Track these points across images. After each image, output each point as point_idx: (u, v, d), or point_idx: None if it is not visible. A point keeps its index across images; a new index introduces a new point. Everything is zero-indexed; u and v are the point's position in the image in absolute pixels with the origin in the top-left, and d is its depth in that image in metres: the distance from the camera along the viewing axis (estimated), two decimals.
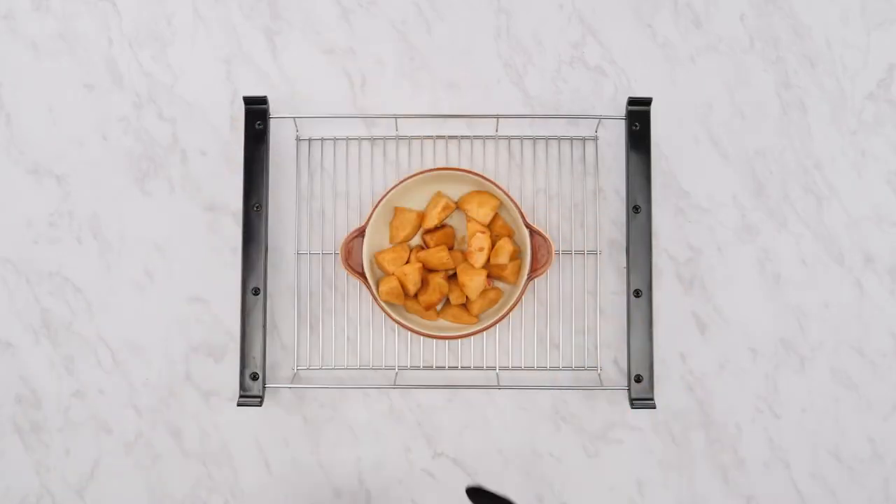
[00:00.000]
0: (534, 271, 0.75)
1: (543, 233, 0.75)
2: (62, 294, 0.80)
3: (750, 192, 0.80)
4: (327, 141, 0.80)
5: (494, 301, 0.77)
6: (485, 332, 0.78)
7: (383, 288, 0.74)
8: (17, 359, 0.79)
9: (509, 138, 0.80)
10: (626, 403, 0.76)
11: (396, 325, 0.77)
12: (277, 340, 0.79)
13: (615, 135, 0.80)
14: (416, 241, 0.78)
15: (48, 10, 0.81)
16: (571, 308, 0.79)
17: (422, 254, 0.76)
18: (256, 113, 0.78)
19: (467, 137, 0.79)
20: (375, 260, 0.76)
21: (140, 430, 0.79)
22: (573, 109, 0.81)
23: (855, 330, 0.79)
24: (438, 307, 0.78)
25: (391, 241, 0.78)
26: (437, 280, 0.75)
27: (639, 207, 0.77)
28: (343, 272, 0.78)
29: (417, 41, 0.81)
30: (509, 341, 0.78)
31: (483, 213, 0.76)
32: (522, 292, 0.75)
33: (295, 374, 0.78)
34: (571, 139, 0.80)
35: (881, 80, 0.81)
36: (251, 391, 0.76)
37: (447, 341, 0.79)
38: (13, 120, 0.81)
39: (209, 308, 0.79)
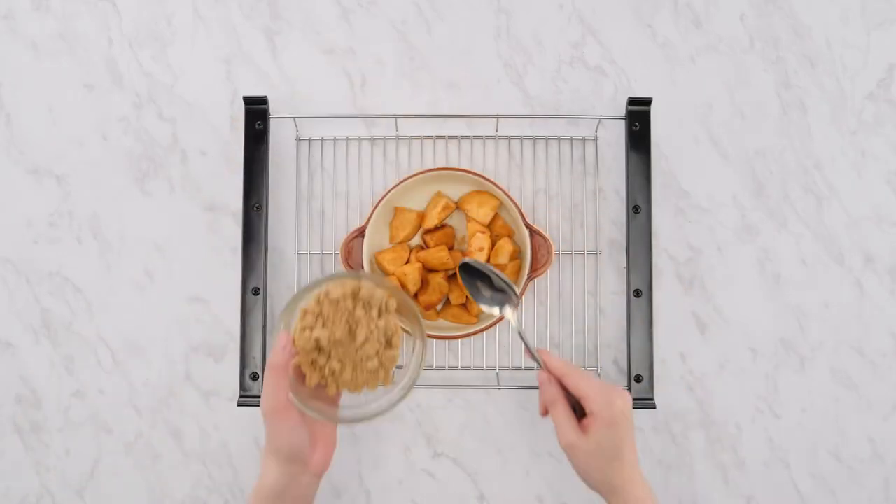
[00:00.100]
0: (534, 271, 0.75)
1: (543, 233, 0.75)
2: (62, 294, 0.80)
3: (750, 192, 0.80)
4: (327, 141, 0.80)
5: None
6: (485, 332, 0.78)
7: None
8: (17, 359, 0.79)
9: (509, 138, 0.80)
10: None
11: None
12: None
13: (615, 135, 0.80)
14: (416, 241, 0.78)
15: (48, 10, 0.81)
16: (571, 308, 0.79)
17: (422, 254, 0.76)
18: (256, 113, 0.78)
19: (467, 137, 0.79)
20: (375, 260, 0.76)
21: (140, 430, 0.79)
22: (573, 109, 0.81)
23: (855, 330, 0.79)
24: (438, 307, 0.78)
25: (391, 241, 0.78)
26: (437, 280, 0.75)
27: (639, 207, 0.77)
28: None
29: (417, 41, 0.81)
30: (509, 341, 0.78)
31: (483, 213, 0.76)
32: (522, 292, 0.75)
33: None
34: (571, 139, 0.80)
35: (881, 80, 0.81)
36: (251, 391, 0.76)
37: (447, 341, 0.79)
38: (13, 120, 0.81)
39: (209, 308, 0.79)
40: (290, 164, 0.80)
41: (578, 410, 0.64)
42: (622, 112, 0.79)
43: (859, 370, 0.79)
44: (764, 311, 0.79)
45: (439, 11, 0.82)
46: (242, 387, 0.76)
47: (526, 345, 0.66)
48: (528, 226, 0.75)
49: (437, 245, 0.76)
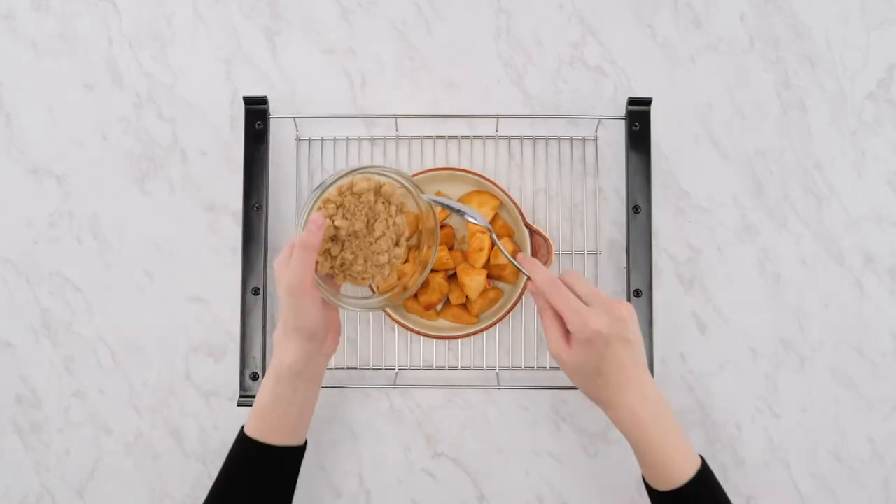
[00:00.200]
0: None
1: (543, 233, 0.75)
2: (62, 294, 0.80)
3: (750, 192, 0.80)
4: (327, 141, 0.80)
5: (494, 301, 0.77)
6: (485, 332, 0.78)
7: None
8: (17, 359, 0.79)
9: (509, 138, 0.80)
10: None
11: (396, 325, 0.77)
12: None
13: (615, 135, 0.80)
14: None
15: (48, 10, 0.81)
16: None
17: None
18: (256, 113, 0.78)
19: (467, 137, 0.79)
20: None
21: (140, 430, 0.79)
22: (573, 109, 0.81)
23: (855, 330, 0.79)
24: (438, 307, 0.78)
25: None
26: (437, 280, 0.75)
27: (639, 207, 0.77)
28: None
29: (417, 41, 0.81)
30: (509, 341, 0.78)
31: (483, 213, 0.76)
32: (522, 292, 0.75)
33: None
34: (571, 139, 0.80)
35: (881, 80, 0.81)
36: (251, 391, 0.76)
37: (447, 341, 0.79)
38: (13, 120, 0.81)
39: (209, 308, 0.79)
40: (290, 164, 0.80)
41: None
42: (622, 112, 0.79)
43: (859, 370, 0.79)
44: (764, 311, 0.79)
45: (439, 11, 0.82)
46: (242, 387, 0.76)
47: (509, 258, 0.66)
48: (528, 226, 0.75)
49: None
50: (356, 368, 0.78)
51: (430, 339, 0.78)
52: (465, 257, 0.76)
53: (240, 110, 0.80)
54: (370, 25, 0.81)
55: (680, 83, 0.81)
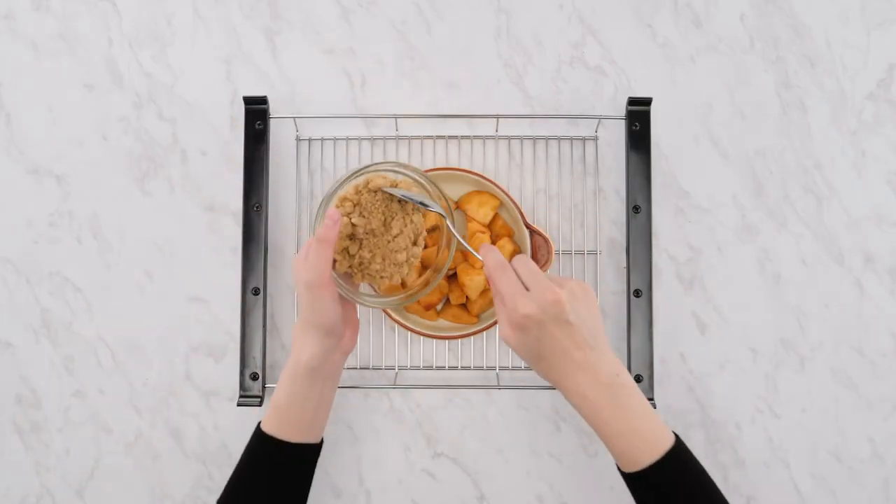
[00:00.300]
0: None
1: (543, 233, 0.75)
2: (62, 294, 0.80)
3: (750, 192, 0.80)
4: (327, 141, 0.80)
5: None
6: (485, 332, 0.78)
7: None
8: (17, 359, 0.79)
9: (509, 138, 0.80)
10: None
11: (396, 325, 0.77)
12: (277, 340, 0.79)
13: (615, 135, 0.80)
14: None
15: (48, 10, 0.81)
16: None
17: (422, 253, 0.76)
18: (256, 113, 0.78)
19: (467, 137, 0.79)
20: None
21: (140, 430, 0.79)
22: (573, 109, 0.81)
23: (855, 330, 0.79)
24: (438, 307, 0.78)
25: None
26: None
27: (639, 207, 0.77)
28: None
29: (417, 41, 0.81)
30: None
31: (483, 213, 0.76)
32: None
33: None
34: (571, 139, 0.80)
35: (881, 80, 0.81)
36: (251, 391, 0.76)
37: (447, 341, 0.79)
38: (13, 120, 0.81)
39: (209, 308, 0.79)
40: (290, 164, 0.80)
41: None
42: (622, 112, 0.79)
43: (859, 370, 0.79)
44: (764, 311, 0.79)
45: (439, 11, 0.82)
46: (242, 387, 0.76)
47: (461, 241, 0.64)
48: (528, 226, 0.75)
49: (434, 245, 0.76)
50: (356, 368, 0.79)
51: (430, 339, 0.78)
52: (465, 257, 0.76)
53: (240, 110, 0.80)
54: (370, 25, 0.82)
55: (680, 83, 0.81)
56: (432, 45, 0.81)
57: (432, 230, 0.77)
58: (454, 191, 0.77)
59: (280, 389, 0.64)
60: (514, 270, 0.61)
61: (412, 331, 0.75)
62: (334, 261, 0.63)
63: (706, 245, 0.80)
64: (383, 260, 0.64)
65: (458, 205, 0.77)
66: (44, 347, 0.79)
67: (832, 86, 0.81)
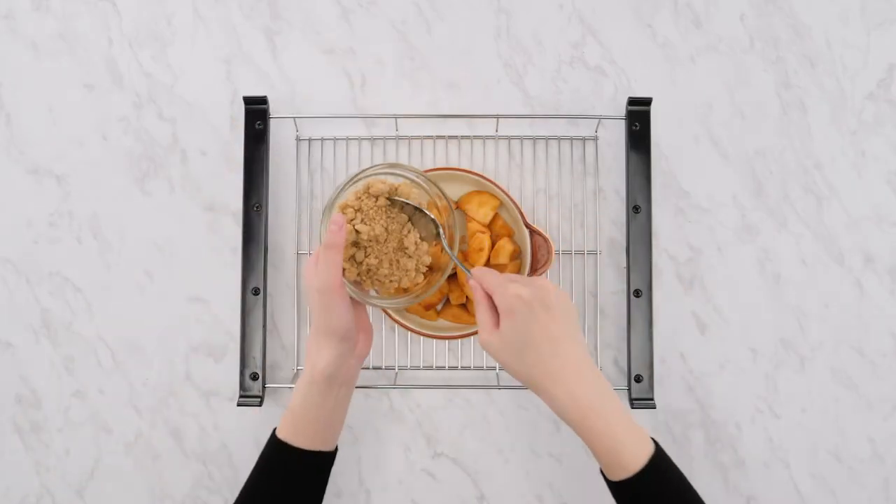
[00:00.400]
0: (534, 271, 0.75)
1: (543, 233, 0.75)
2: (62, 294, 0.80)
3: (750, 192, 0.80)
4: (327, 141, 0.80)
5: None
6: None
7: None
8: (17, 359, 0.79)
9: (509, 138, 0.80)
10: (627, 403, 0.76)
11: (396, 325, 0.77)
12: (277, 340, 0.79)
13: (615, 135, 0.80)
14: None
15: (48, 10, 0.81)
16: None
17: None
18: (256, 113, 0.78)
19: (467, 137, 0.79)
20: None
21: (140, 430, 0.79)
22: (573, 109, 0.81)
23: (855, 330, 0.79)
24: (438, 307, 0.78)
25: None
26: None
27: (639, 207, 0.77)
28: None
29: (417, 41, 0.81)
30: None
31: (483, 213, 0.76)
32: None
33: (295, 374, 0.78)
34: (571, 139, 0.80)
35: (881, 80, 0.81)
36: (251, 391, 0.76)
37: (447, 341, 0.79)
38: (13, 120, 0.81)
39: (209, 308, 0.79)
40: (290, 164, 0.80)
41: None
42: (622, 112, 0.79)
43: (859, 370, 0.79)
44: (764, 311, 0.79)
45: (439, 11, 0.82)
46: (242, 387, 0.76)
47: (448, 250, 0.65)
48: (528, 226, 0.75)
49: (437, 245, 0.76)
50: None
51: (430, 339, 0.78)
52: (465, 257, 0.76)
53: (240, 110, 0.80)
54: (370, 25, 0.82)
55: (680, 83, 0.81)
56: (432, 45, 0.81)
57: None
58: (454, 191, 0.77)
59: (296, 396, 0.63)
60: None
61: (412, 331, 0.75)
62: (343, 268, 0.63)
63: (706, 245, 0.80)
64: (391, 265, 0.65)
65: (458, 205, 0.77)
66: (44, 347, 0.79)
67: (832, 86, 0.81)
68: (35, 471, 0.79)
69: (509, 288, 0.59)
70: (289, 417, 0.64)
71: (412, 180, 0.66)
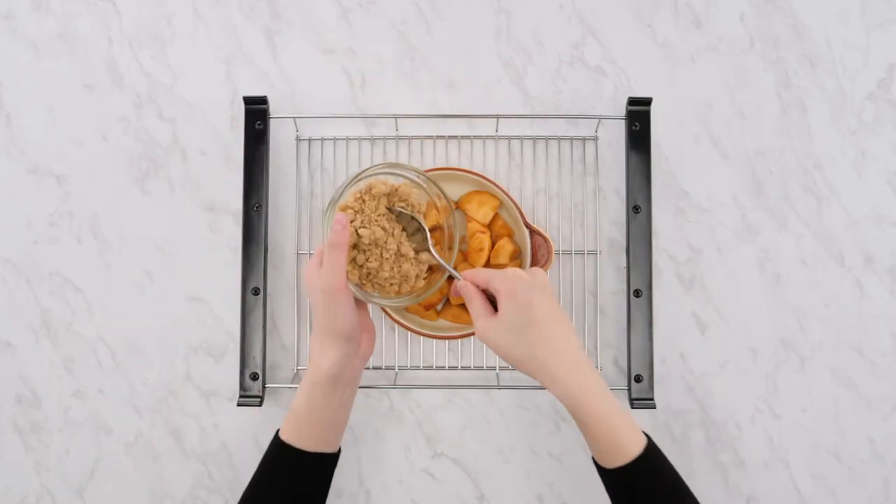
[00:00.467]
0: None
1: (543, 233, 0.75)
2: (62, 294, 0.80)
3: (750, 192, 0.80)
4: (327, 141, 0.80)
5: None
6: None
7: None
8: (17, 359, 0.79)
9: (509, 138, 0.80)
10: (627, 403, 0.76)
11: (396, 325, 0.77)
12: (277, 340, 0.79)
13: (615, 135, 0.80)
14: None
15: (48, 10, 0.81)
16: (571, 308, 0.79)
17: None
18: (256, 113, 0.78)
19: (467, 137, 0.79)
20: None
21: (140, 430, 0.79)
22: (573, 109, 0.81)
23: (855, 330, 0.79)
24: (438, 307, 0.78)
25: None
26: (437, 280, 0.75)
27: (639, 207, 0.77)
28: None
29: (417, 41, 0.81)
30: None
31: (483, 213, 0.76)
32: None
33: (295, 374, 0.78)
34: (571, 139, 0.80)
35: (881, 80, 0.81)
36: (251, 391, 0.76)
37: (447, 341, 0.79)
38: (13, 120, 0.81)
39: (209, 308, 0.79)
40: (290, 164, 0.80)
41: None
42: (622, 112, 0.79)
43: (859, 370, 0.79)
44: (764, 311, 0.79)
45: (439, 11, 0.82)
46: (242, 387, 0.76)
47: (434, 255, 0.65)
48: (528, 226, 0.75)
49: (436, 245, 0.76)
50: None
51: (430, 339, 0.78)
52: (465, 257, 0.76)
53: (240, 110, 0.80)
54: (370, 25, 0.81)
55: (680, 83, 0.81)
56: (432, 45, 0.81)
57: (434, 230, 0.76)
58: (454, 191, 0.77)
59: (300, 398, 0.63)
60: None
61: (412, 331, 0.75)
62: (359, 279, 0.64)
63: (706, 245, 0.80)
64: (392, 269, 0.65)
65: (458, 205, 0.77)
66: (44, 347, 0.79)
67: (832, 86, 0.81)
68: (35, 471, 0.79)
69: (507, 272, 0.60)
70: (292, 419, 0.63)
71: (412, 180, 0.66)
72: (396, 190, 0.65)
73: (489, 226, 0.76)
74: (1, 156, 0.81)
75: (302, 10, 0.82)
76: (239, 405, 0.76)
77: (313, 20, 0.82)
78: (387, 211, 0.65)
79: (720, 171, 0.80)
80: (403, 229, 0.66)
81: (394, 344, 0.79)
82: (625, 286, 0.77)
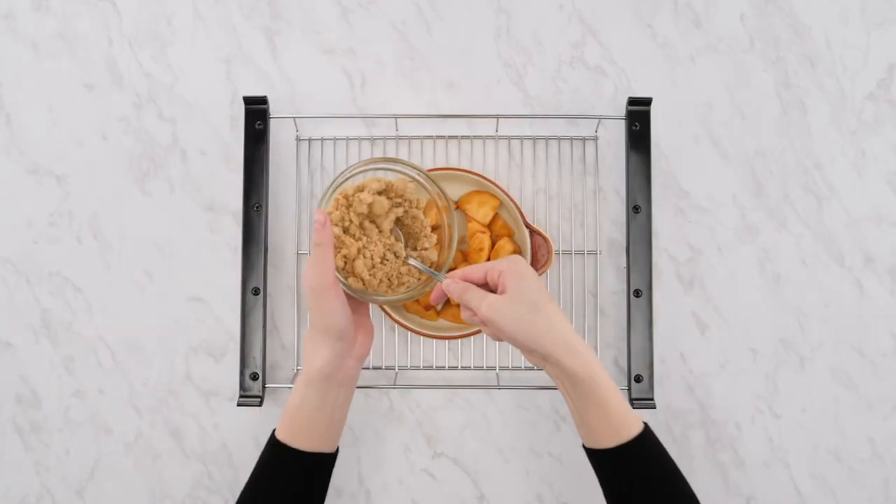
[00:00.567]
0: None
1: (543, 233, 0.75)
2: (62, 294, 0.80)
3: (750, 192, 0.80)
4: (327, 141, 0.80)
5: None
6: (485, 332, 0.77)
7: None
8: (17, 359, 0.79)
9: (509, 138, 0.80)
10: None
11: (396, 325, 0.77)
12: (277, 340, 0.79)
13: (615, 135, 0.80)
14: None
15: (48, 10, 0.81)
16: (571, 308, 0.79)
17: None
18: (256, 113, 0.78)
19: (467, 137, 0.79)
20: None
21: (140, 430, 0.79)
22: (573, 109, 0.81)
23: (855, 330, 0.79)
24: (438, 307, 0.78)
25: None
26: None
27: (639, 207, 0.77)
28: None
29: (417, 41, 0.81)
30: None
31: (483, 213, 0.76)
32: None
33: (295, 374, 0.78)
34: (571, 139, 0.80)
35: (881, 80, 0.81)
36: (251, 391, 0.76)
37: (447, 341, 0.79)
38: (13, 120, 0.81)
39: (209, 308, 0.79)
40: (290, 164, 0.80)
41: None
42: (622, 112, 0.79)
43: (859, 370, 0.79)
44: (764, 311, 0.79)
45: (439, 11, 0.82)
46: (242, 387, 0.76)
47: (429, 272, 0.65)
48: (528, 226, 0.75)
49: (437, 245, 0.76)
50: None
51: (430, 339, 0.78)
52: (465, 257, 0.76)
53: (240, 110, 0.80)
54: (370, 25, 0.82)
55: (680, 83, 0.81)
56: (432, 45, 0.81)
57: (434, 229, 0.76)
58: (454, 191, 0.77)
59: (294, 397, 0.63)
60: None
61: (412, 331, 0.75)
62: (346, 278, 0.63)
63: (706, 245, 0.80)
64: (379, 269, 0.65)
65: (458, 205, 0.77)
66: (44, 347, 0.79)
67: (832, 86, 0.81)
68: (35, 471, 0.79)
69: (503, 258, 0.61)
70: (286, 418, 0.63)
71: (412, 178, 0.66)
72: (391, 186, 0.65)
73: (489, 226, 0.76)
74: (1, 156, 0.81)
75: (302, 11, 0.82)
76: (239, 405, 0.76)
77: (313, 20, 0.82)
78: (366, 213, 0.64)
79: (720, 171, 0.80)
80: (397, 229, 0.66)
81: (394, 344, 0.79)
82: (625, 286, 0.77)
